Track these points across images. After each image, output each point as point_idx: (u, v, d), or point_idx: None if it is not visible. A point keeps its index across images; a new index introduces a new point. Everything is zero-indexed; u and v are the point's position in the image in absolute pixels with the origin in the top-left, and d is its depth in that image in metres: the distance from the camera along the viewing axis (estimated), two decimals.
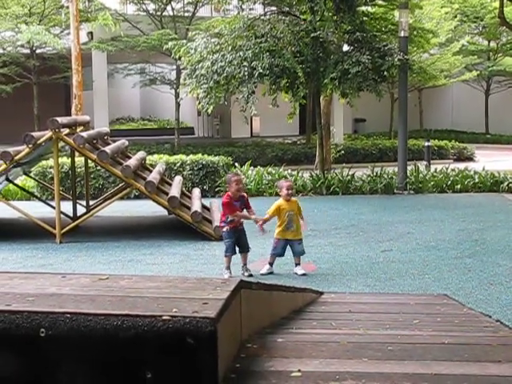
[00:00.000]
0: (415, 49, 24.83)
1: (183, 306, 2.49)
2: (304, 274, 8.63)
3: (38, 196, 14.98)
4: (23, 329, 2.39)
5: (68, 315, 2.39)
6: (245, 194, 9.31)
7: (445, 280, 8.24)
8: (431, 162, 21.94)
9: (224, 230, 8.99)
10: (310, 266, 9.20)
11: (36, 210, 12.75)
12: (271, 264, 8.93)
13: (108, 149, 11.18)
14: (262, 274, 8.76)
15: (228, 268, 8.92)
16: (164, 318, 2.36)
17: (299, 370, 2.55)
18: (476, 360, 2.67)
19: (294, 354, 2.81)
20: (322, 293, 6.92)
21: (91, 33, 27.93)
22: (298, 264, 8.85)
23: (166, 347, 2.35)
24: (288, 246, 8.93)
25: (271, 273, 8.88)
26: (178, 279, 3.02)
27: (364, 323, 3.84)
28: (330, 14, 17.34)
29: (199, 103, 17.36)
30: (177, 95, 26.63)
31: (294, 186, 9.62)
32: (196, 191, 13.23)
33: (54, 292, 2.75)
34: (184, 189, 13.41)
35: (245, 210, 9.15)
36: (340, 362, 2.69)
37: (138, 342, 2.35)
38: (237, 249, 9.01)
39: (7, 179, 12.60)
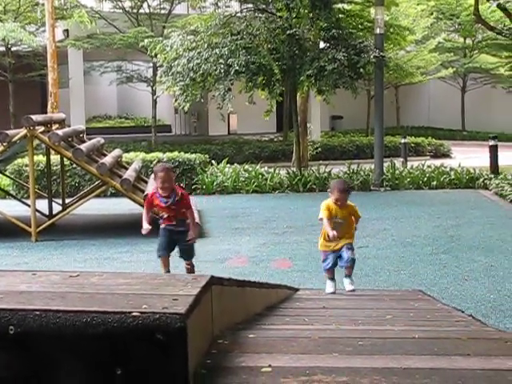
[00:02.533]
0: (391, 46, 24.93)
1: (153, 302, 2.48)
2: (352, 291, 6.85)
3: (14, 194, 14.88)
4: None
5: (37, 312, 2.38)
6: (180, 191, 7.65)
7: (420, 276, 8.29)
8: (408, 158, 22.07)
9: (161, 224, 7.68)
10: (286, 262, 9.21)
11: (11, 209, 12.67)
12: (331, 278, 6.99)
13: (83, 147, 11.13)
14: (329, 293, 6.89)
15: (164, 271, 7.74)
16: (134, 314, 2.35)
17: (269, 366, 2.56)
18: (445, 354, 2.69)
19: (265, 350, 2.81)
20: (297, 289, 6.95)
21: (67, 30, 27.76)
22: (348, 275, 6.97)
23: (135, 344, 2.34)
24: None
25: (333, 293, 6.89)
26: (148, 276, 3.02)
27: (337, 319, 3.85)
28: (306, 11, 17.40)
29: (176, 101, 17.34)
30: (153, 93, 26.55)
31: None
32: None
33: (24, 289, 2.73)
34: None
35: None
36: (310, 357, 2.69)
37: (108, 338, 2.34)
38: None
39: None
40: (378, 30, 17.06)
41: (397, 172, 17.54)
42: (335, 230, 6.69)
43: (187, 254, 7.75)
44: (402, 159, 20.91)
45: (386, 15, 21.80)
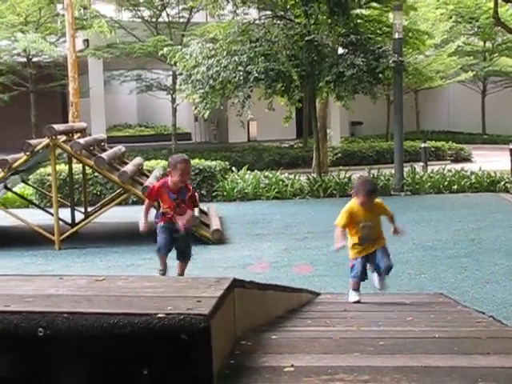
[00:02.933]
0: (410, 50, 24.91)
1: (178, 304, 2.54)
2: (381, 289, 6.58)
3: (37, 203, 15.03)
4: (22, 328, 2.44)
5: (65, 315, 2.45)
6: (190, 187, 7.41)
7: (441, 279, 8.31)
8: (428, 163, 22.02)
9: (158, 223, 7.40)
10: (308, 267, 9.25)
11: (35, 218, 12.79)
12: (355, 290, 6.29)
13: (105, 155, 11.25)
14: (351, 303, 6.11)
15: (162, 270, 7.54)
16: (159, 315, 2.41)
17: (292, 365, 2.61)
18: (465, 353, 2.73)
19: (288, 350, 2.87)
20: (318, 293, 6.99)
21: (87, 40, 28.01)
22: (380, 289, 6.63)
23: (161, 344, 2.41)
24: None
25: (358, 301, 6.15)
26: (172, 279, 3.09)
27: (358, 321, 3.90)
28: (324, 17, 17.46)
29: (195, 108, 17.45)
30: (173, 101, 26.70)
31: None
32: None
33: (52, 293, 2.81)
34: None
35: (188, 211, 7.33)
36: (332, 357, 2.75)
37: (134, 339, 2.41)
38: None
39: (5, 187, 12.65)
40: (396, 35, 17.07)
41: (417, 176, 17.53)
42: (365, 234, 6.16)
43: (184, 254, 7.48)
44: (422, 164, 20.86)
45: (405, 20, 21.83)
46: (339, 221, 6.25)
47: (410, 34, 21.58)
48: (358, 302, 6.05)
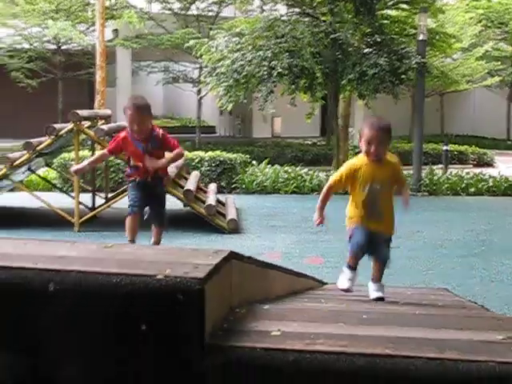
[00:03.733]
0: (437, 53, 24.99)
1: (176, 268, 2.78)
2: (380, 299, 4.83)
3: (60, 187, 15.36)
4: (35, 283, 2.70)
5: (74, 273, 2.70)
6: (160, 131, 6.46)
7: (447, 276, 8.49)
8: (451, 166, 22.11)
9: (128, 178, 6.63)
10: (318, 259, 9.47)
11: (57, 201, 13.10)
12: (351, 267, 4.98)
13: None
14: (343, 290, 5.03)
15: (129, 238, 6.61)
16: (158, 277, 2.66)
17: (279, 330, 2.85)
18: (439, 327, 2.96)
19: (277, 318, 3.10)
20: (325, 283, 7.20)
21: (116, 30, 28.37)
22: (375, 280, 5.03)
23: (159, 303, 2.66)
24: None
25: (347, 290, 5.01)
26: (175, 248, 3.33)
27: (351, 301, 4.13)
28: (350, 16, 17.65)
29: (219, 101, 17.71)
30: (199, 93, 26.99)
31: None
32: (212, 186, 13.55)
33: (64, 254, 3.07)
34: (201, 184, 13.73)
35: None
36: (317, 325, 2.98)
37: (135, 298, 2.66)
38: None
39: (30, 169, 12.98)
40: (420, 37, 17.21)
41: (435, 178, 17.67)
42: (371, 203, 4.76)
43: (159, 215, 6.69)
44: (442, 166, 21.00)
45: (433, 22, 21.93)
46: (335, 176, 4.96)
47: (438, 37, 21.68)
48: (348, 290, 4.90)
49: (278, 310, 3.35)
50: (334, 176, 4.99)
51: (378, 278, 5.01)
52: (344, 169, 4.89)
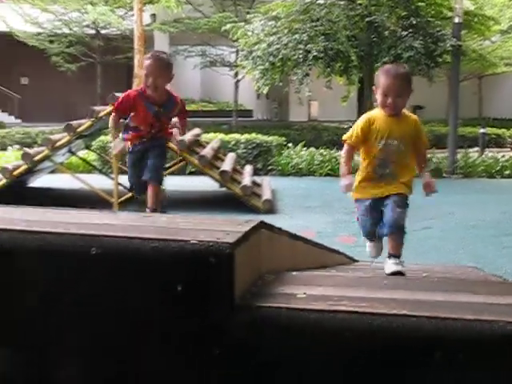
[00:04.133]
0: (475, 36, 24.87)
1: (209, 234, 3.01)
2: (399, 273, 4.21)
3: (99, 169, 15.70)
4: (78, 247, 2.95)
5: (116, 238, 2.94)
6: (178, 99, 5.91)
7: (478, 255, 8.62)
8: (488, 149, 22.07)
9: (126, 141, 5.92)
10: (351, 238, 9.65)
11: (96, 182, 13.43)
12: (371, 239, 4.80)
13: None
14: (372, 256, 5.04)
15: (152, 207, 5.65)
16: (192, 242, 2.89)
17: (304, 293, 3.06)
18: (456, 291, 3.15)
19: (303, 283, 3.32)
20: (356, 260, 7.38)
21: (154, 15, 28.65)
22: (391, 255, 4.43)
23: (192, 266, 2.89)
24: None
25: (375, 256, 4.93)
26: (209, 219, 3.57)
27: (378, 271, 4.33)
28: None
29: (256, 83, 17.92)
30: (235, 77, 27.21)
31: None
32: (248, 168, 13.78)
33: (107, 222, 3.32)
34: (237, 166, 13.96)
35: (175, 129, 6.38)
36: (340, 289, 3.19)
37: (171, 261, 2.89)
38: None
39: (70, 151, 13.31)
40: (456, 19, 17.21)
41: (470, 160, 17.72)
42: (383, 161, 4.25)
43: (154, 170, 5.75)
44: (478, 149, 21.01)
45: (472, 4, 21.85)
46: (350, 134, 4.37)
47: (476, 19, 21.60)
48: (376, 256, 4.77)
49: (305, 276, 3.57)
50: (351, 131, 4.35)
51: (395, 251, 4.27)
52: (360, 122, 4.31)
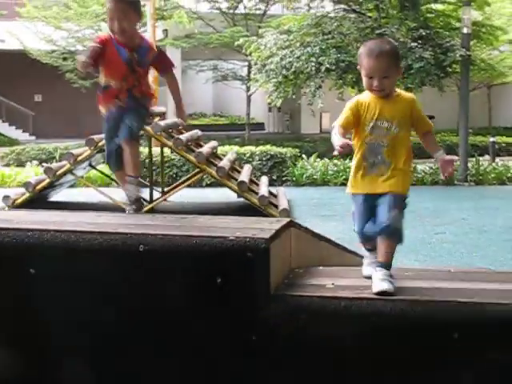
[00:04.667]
0: (484, 46, 25.11)
1: (245, 231, 3.32)
2: (387, 293, 3.29)
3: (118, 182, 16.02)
4: (128, 245, 3.26)
5: (160, 236, 3.26)
6: (153, 45, 5.06)
7: (491, 258, 8.88)
8: (499, 158, 22.29)
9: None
10: None
11: (117, 195, 13.74)
12: (369, 249, 3.86)
13: (183, 137, 12.10)
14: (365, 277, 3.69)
15: (131, 200, 4.88)
16: (230, 238, 3.20)
17: (333, 284, 3.37)
18: (468, 280, 3.45)
19: (330, 275, 3.62)
20: None
21: (166, 30, 29.06)
22: (380, 262, 3.58)
23: (231, 260, 3.20)
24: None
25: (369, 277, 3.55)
26: (242, 218, 3.87)
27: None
28: (395, 11, 18.03)
29: (269, 97, 18.26)
30: (248, 90, 27.56)
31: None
32: (264, 179, 14.07)
33: (149, 223, 3.63)
34: (253, 177, 14.26)
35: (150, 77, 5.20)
36: (364, 281, 3.49)
37: (211, 256, 3.20)
38: None
39: (90, 165, 13.65)
40: (465, 30, 17.51)
41: (481, 168, 17.97)
42: (374, 146, 3.71)
43: (129, 130, 4.78)
44: (489, 157, 21.25)
45: (480, 15, 22.12)
46: (340, 118, 3.90)
47: (484, 30, 21.87)
48: (369, 277, 3.52)
49: (331, 270, 3.87)
50: (342, 114, 3.88)
51: (384, 259, 3.56)
52: (348, 103, 3.84)
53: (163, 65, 4.96)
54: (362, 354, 3.07)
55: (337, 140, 3.76)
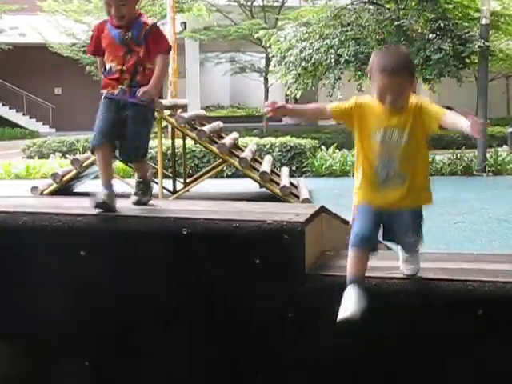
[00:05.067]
0: (502, 36, 25.12)
1: (282, 216, 3.55)
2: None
3: None
4: (172, 228, 3.49)
5: (201, 220, 3.48)
6: (147, 20, 4.35)
7: (510, 246, 9.07)
8: None
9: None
10: None
11: None
12: (353, 280, 3.28)
13: (206, 128, 12.34)
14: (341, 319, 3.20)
15: (104, 185, 4.18)
16: (268, 222, 3.42)
17: None
18: (494, 262, 3.67)
19: None
20: (391, 249, 7.88)
21: (184, 23, 29.29)
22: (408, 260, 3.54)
23: (269, 242, 3.42)
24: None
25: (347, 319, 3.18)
26: (277, 204, 4.11)
27: None
28: (413, 3, 18.16)
29: (288, 89, 18.44)
30: (266, 82, 27.75)
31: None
32: (285, 170, 14.28)
33: (191, 208, 3.86)
34: (273, 168, 14.47)
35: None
36: (392, 262, 3.71)
37: (250, 238, 3.42)
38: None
39: (114, 156, 13.90)
40: (483, 21, 17.62)
41: (500, 158, 18.10)
42: (385, 159, 3.38)
43: (135, 149, 4.41)
44: (507, 147, 21.35)
45: (498, 5, 22.17)
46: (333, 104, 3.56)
47: (502, 20, 21.91)
48: (347, 320, 3.13)
49: None
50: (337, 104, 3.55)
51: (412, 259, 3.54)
52: (358, 97, 3.51)
53: (155, 43, 4.22)
54: (389, 328, 3.29)
55: (299, 106, 3.60)
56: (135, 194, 4.32)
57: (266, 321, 3.42)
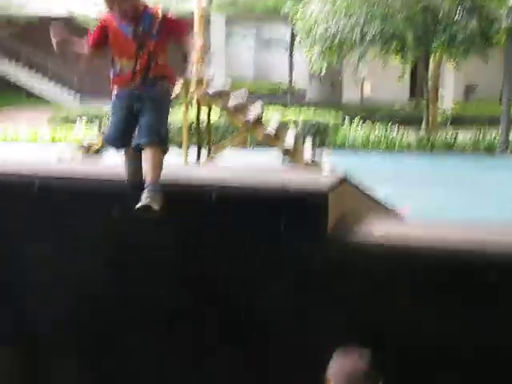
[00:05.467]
0: None
1: (307, 182, 3.77)
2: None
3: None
4: (200, 195, 3.73)
5: (230, 186, 3.72)
6: (159, 12, 4.02)
7: None
8: None
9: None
10: (408, 207, 10.27)
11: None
12: None
13: (231, 99, 12.54)
14: None
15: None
16: (295, 187, 3.65)
17: (381, 231, 3.81)
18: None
19: (379, 225, 4.06)
20: None
21: None
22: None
23: (296, 206, 3.65)
24: None
25: None
26: (303, 172, 4.33)
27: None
28: None
29: (312, 67, 18.57)
30: (290, 57, 27.79)
31: None
32: (308, 144, 14.44)
33: (221, 175, 4.09)
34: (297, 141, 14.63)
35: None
36: (409, 230, 3.92)
37: (278, 203, 3.67)
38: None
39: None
40: (511, 2, 17.58)
41: None
42: None
43: (153, 131, 3.80)
44: None
45: None
46: None
47: None
48: None
49: (380, 221, 4.29)
50: None
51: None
52: None
53: (174, 32, 3.97)
54: (404, 289, 3.53)
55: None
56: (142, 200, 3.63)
57: (291, 281, 3.67)
